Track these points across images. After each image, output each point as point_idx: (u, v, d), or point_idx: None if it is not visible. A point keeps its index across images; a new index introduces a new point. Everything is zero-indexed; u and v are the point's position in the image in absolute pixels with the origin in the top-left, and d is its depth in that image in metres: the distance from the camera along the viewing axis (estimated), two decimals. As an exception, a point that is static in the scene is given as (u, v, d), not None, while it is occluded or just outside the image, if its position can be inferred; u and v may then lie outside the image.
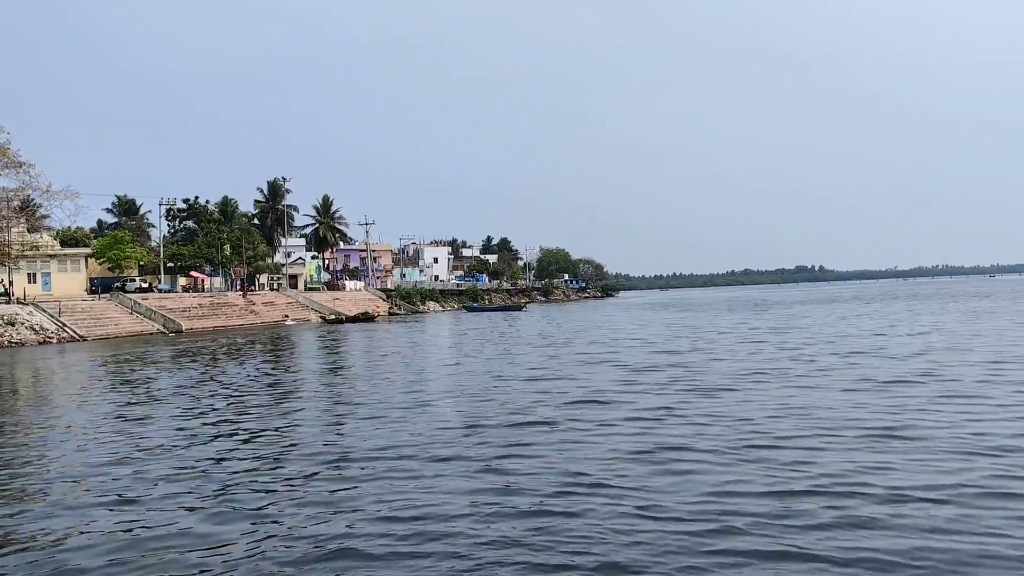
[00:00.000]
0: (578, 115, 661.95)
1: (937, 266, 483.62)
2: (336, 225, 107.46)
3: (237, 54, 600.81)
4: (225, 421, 16.46)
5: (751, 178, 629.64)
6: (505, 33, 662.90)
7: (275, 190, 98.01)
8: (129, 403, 20.00)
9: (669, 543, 7.81)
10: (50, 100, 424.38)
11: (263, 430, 15.13)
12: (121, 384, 25.03)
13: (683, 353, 28.80)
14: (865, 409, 15.05)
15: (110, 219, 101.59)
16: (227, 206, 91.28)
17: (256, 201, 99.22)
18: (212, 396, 20.88)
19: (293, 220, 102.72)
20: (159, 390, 22.73)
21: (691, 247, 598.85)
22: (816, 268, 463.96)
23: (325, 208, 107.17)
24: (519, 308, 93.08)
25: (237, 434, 14.79)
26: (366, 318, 72.65)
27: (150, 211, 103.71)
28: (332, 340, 45.82)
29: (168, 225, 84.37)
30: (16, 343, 50.16)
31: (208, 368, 29.72)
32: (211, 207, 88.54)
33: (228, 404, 19.13)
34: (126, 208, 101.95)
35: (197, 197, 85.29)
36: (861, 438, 12.38)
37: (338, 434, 14.44)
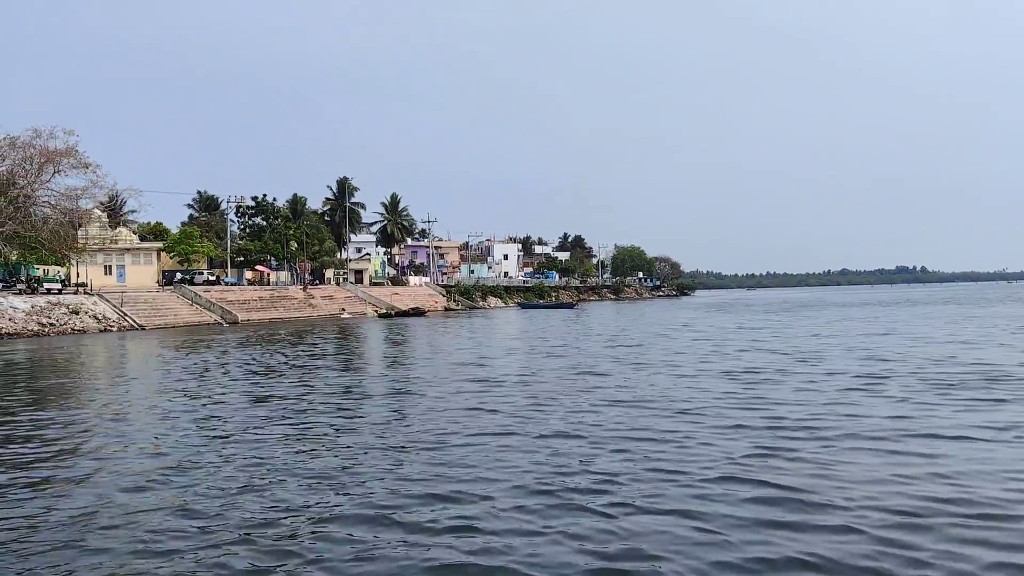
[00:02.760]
0: (672, 115, 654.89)
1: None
2: (403, 222, 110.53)
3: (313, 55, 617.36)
4: (211, 399, 18.45)
5: (850, 175, 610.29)
6: (575, 34, 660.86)
7: (343, 188, 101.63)
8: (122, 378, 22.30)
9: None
10: (136, 100, 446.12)
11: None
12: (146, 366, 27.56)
13: (632, 347, 29.70)
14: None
15: (193, 214, 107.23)
16: (297, 204, 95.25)
17: (326, 199, 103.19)
18: (206, 380, 23.02)
19: (360, 218, 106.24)
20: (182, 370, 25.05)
21: (789, 247, 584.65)
22: (918, 269, 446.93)
23: (393, 205, 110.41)
24: (571, 307, 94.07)
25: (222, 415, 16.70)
26: (416, 312, 75.01)
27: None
28: (364, 331, 48.10)
29: (238, 222, 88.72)
30: (79, 330, 54.23)
31: (221, 355, 32.14)
32: (281, 204, 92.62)
33: (229, 384, 21.19)
34: (207, 204, 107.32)
35: (265, 195, 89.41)
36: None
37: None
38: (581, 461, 11.13)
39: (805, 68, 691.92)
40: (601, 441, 12.49)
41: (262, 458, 11.73)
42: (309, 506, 9.16)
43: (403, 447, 12.40)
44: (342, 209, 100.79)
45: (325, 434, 13.73)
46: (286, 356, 31.18)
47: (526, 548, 7.60)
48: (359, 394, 19.18)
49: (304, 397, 18.71)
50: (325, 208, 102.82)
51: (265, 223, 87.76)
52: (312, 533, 8.19)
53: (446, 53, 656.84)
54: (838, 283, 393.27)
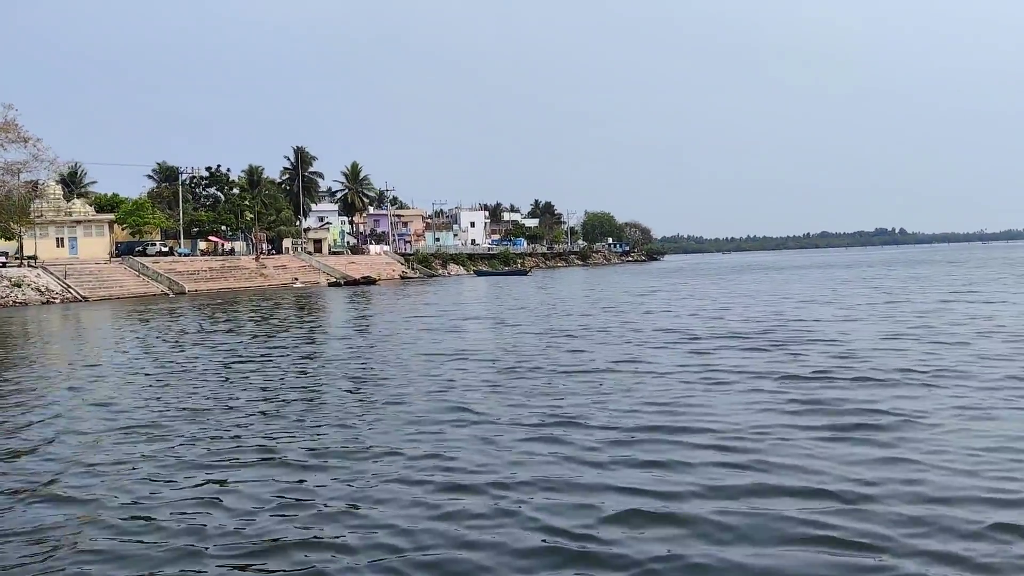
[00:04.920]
0: (649, 78, 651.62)
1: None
2: (364, 191, 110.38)
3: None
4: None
5: (830, 136, 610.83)
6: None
7: (300, 157, 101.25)
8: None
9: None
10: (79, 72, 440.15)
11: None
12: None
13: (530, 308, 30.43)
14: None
15: (152, 186, 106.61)
16: (254, 173, 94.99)
17: (284, 168, 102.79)
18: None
19: (318, 187, 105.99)
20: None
21: (769, 210, 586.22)
22: (896, 231, 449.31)
23: (354, 174, 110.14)
24: (524, 273, 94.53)
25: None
26: (367, 281, 75.35)
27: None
28: (296, 299, 48.59)
29: (193, 192, 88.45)
30: (20, 303, 54.38)
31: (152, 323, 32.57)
32: (239, 175, 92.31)
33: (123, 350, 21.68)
34: (167, 175, 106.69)
35: (219, 165, 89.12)
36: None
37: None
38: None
39: (786, 28, 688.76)
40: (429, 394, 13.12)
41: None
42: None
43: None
44: (300, 178, 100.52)
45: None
46: (187, 327, 31.63)
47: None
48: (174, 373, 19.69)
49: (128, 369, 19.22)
50: (284, 178, 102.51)
51: (220, 193, 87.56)
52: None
53: (407, 21, 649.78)
54: (816, 246, 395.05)
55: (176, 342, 24.93)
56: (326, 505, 7.87)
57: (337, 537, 7.01)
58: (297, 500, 8.07)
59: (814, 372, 14.87)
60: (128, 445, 10.72)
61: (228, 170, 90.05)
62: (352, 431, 11.11)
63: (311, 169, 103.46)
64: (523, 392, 13.75)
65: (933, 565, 6.05)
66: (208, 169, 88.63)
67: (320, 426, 11.53)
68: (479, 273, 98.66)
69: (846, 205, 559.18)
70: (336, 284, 74.13)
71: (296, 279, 77.18)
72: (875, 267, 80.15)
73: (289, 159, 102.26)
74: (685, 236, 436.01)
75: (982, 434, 9.70)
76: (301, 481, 8.73)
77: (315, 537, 7.04)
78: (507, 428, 10.98)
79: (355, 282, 74.81)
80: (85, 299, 57.76)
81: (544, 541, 6.79)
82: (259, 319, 34.74)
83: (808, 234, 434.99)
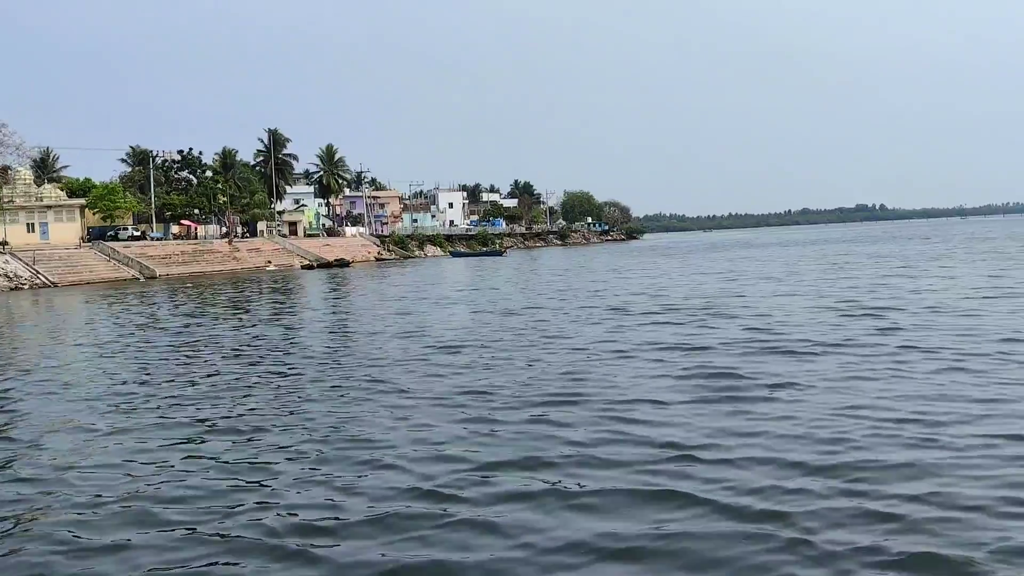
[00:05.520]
0: (627, 55, 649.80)
1: (1007, 204, 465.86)
2: (340, 173, 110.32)
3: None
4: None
5: (811, 116, 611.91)
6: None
7: (274, 140, 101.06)
8: None
9: None
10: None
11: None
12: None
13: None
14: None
15: (125, 169, 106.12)
16: (227, 156, 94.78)
17: (257, 151, 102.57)
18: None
19: (292, 169, 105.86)
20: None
21: (752, 188, 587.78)
22: (877, 207, 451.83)
23: (329, 156, 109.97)
24: (499, 254, 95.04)
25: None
26: (340, 264, 75.69)
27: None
28: (267, 283, 49.01)
29: (165, 176, 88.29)
30: (-12, 289, 54.47)
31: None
32: (212, 157, 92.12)
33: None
34: (140, 159, 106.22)
35: (191, 149, 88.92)
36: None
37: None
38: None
39: (765, 13, 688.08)
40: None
41: None
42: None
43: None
44: (274, 161, 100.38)
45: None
46: (146, 312, 32.07)
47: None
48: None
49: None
50: (258, 161, 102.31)
51: (193, 177, 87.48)
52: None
53: (383, 2, 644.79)
54: (797, 222, 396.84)
55: (131, 325, 25.40)
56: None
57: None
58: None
59: (721, 343, 15.61)
60: (87, 419, 11.30)
61: (200, 153, 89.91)
62: (270, 404, 11.74)
63: (285, 151, 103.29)
64: (445, 366, 14.40)
65: (741, 507, 6.75)
66: (180, 152, 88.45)
67: (239, 400, 12.12)
68: (455, 254, 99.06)
69: (828, 182, 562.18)
70: (309, 267, 74.46)
71: (269, 262, 77.40)
72: (842, 244, 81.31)
73: (263, 141, 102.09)
74: (667, 214, 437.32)
75: (837, 402, 10.39)
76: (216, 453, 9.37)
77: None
78: (414, 399, 11.61)
79: (328, 264, 75.14)
80: (54, 285, 57.87)
81: (416, 487, 7.56)
82: (221, 303, 35.20)
83: (789, 211, 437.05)
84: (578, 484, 7.61)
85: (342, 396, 12.18)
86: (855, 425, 9.19)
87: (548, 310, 24.34)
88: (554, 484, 7.62)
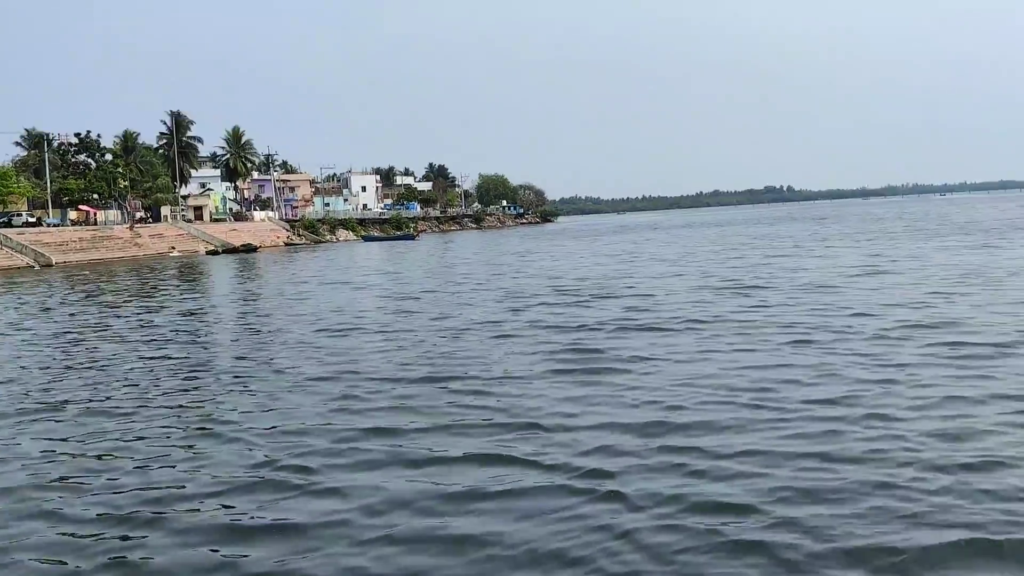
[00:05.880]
0: (541, 31, 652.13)
1: (906, 185, 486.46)
2: (247, 156, 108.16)
3: None
4: None
5: (723, 97, 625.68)
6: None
7: (178, 122, 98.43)
8: None
9: None
10: None
11: None
12: None
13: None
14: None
15: (19, 152, 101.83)
16: (128, 139, 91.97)
17: (160, 133, 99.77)
18: None
19: (197, 152, 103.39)
20: None
21: (665, 171, 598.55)
22: (785, 188, 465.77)
23: (235, 138, 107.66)
24: (412, 238, 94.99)
25: None
26: (247, 249, 74.49)
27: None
28: (160, 270, 48.13)
29: (63, 160, 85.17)
30: None
31: None
32: (112, 140, 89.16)
33: None
34: (36, 142, 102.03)
35: (89, 132, 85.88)
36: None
37: None
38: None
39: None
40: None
41: None
42: None
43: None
44: (177, 144, 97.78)
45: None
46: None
47: None
48: None
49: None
50: (161, 144, 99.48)
51: (91, 160, 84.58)
52: None
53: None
54: (709, 204, 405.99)
55: (19, 314, 24.88)
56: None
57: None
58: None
59: (598, 322, 16.39)
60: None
61: (99, 136, 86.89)
62: (142, 388, 11.96)
63: (189, 134, 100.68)
64: (324, 349, 14.78)
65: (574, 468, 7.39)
66: (78, 135, 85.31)
67: (112, 385, 12.28)
68: (367, 239, 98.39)
69: (738, 165, 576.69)
70: (215, 252, 73.06)
71: (173, 248, 75.63)
72: (744, 225, 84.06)
73: (166, 124, 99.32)
74: (583, 197, 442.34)
75: (685, 373, 11.21)
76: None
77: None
78: (289, 380, 11.99)
79: (235, 250, 73.85)
80: (-57, 273, 55.51)
81: (265, 457, 7.99)
82: (117, 290, 34.58)
83: (701, 193, 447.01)
84: (428, 450, 8.17)
85: (218, 380, 12.46)
86: (692, 393, 9.99)
87: (445, 293, 24.86)
88: (402, 451, 8.17)
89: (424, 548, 5.94)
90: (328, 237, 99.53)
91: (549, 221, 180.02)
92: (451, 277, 31.81)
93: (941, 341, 12.63)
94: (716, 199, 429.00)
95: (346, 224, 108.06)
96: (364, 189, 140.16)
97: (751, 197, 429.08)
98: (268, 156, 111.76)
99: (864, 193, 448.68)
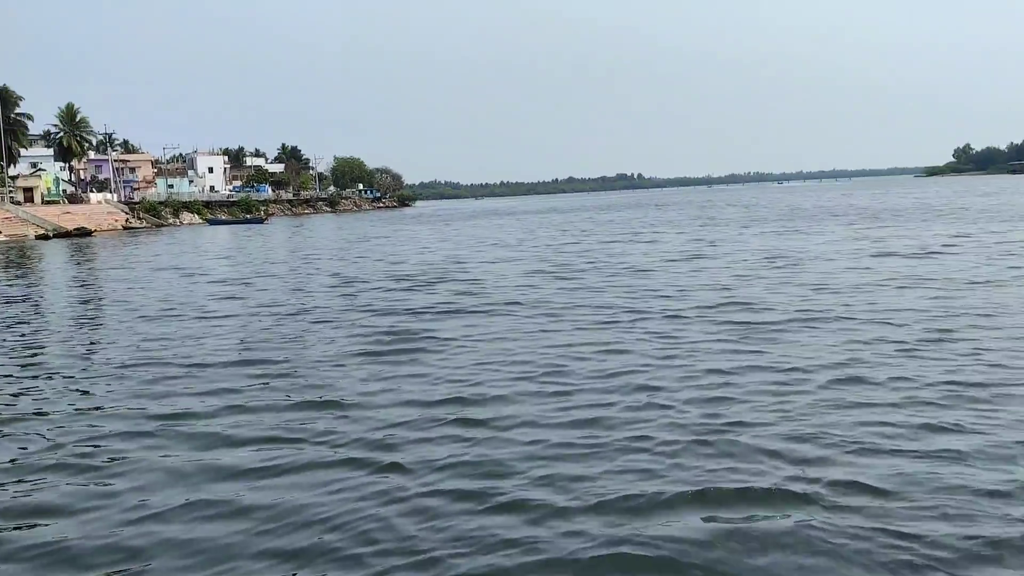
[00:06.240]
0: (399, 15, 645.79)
1: (748, 173, 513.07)
2: (82, 134, 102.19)
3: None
4: None
5: (578, 88, 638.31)
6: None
7: (5, 97, 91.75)
8: None
9: None
10: None
11: None
12: None
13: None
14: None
15: None
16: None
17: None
18: None
19: (27, 130, 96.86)
20: None
21: (523, 157, 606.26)
22: (635, 176, 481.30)
23: (70, 116, 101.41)
24: (261, 221, 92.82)
25: None
26: (81, 233, 70.81)
27: None
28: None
29: None
30: None
31: None
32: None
33: None
34: None
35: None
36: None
37: None
38: None
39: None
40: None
41: None
42: None
43: None
44: (5, 120, 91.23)
45: None
46: None
47: None
48: None
49: None
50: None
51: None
52: None
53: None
54: (564, 191, 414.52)
55: None
56: None
57: None
58: None
59: (424, 306, 16.89)
60: None
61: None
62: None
63: (18, 110, 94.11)
64: (141, 336, 14.60)
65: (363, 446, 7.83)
66: None
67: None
68: (213, 222, 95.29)
69: (592, 152, 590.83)
70: (45, 237, 68.92)
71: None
72: (591, 211, 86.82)
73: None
74: (442, 182, 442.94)
75: (488, 352, 11.86)
76: None
77: None
78: (92, 365, 11.86)
79: (68, 234, 69.96)
80: None
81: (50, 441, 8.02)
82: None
83: (557, 179, 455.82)
84: (220, 430, 8.43)
85: (23, 367, 12.20)
86: (491, 372, 10.63)
87: (280, 279, 24.73)
88: (193, 432, 8.39)
89: (195, 521, 6.24)
90: (171, 220, 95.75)
91: (407, 205, 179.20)
92: (292, 262, 31.57)
93: (729, 320, 13.81)
94: (571, 186, 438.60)
95: (191, 207, 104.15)
96: (211, 170, 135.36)
97: (604, 184, 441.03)
98: (107, 135, 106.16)
99: (709, 181, 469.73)
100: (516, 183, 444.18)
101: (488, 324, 14.39)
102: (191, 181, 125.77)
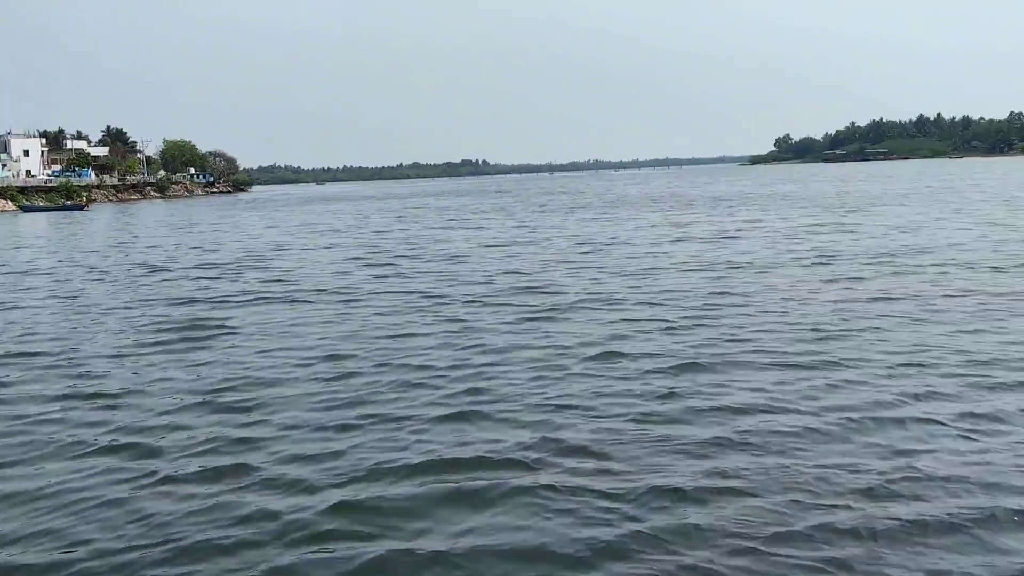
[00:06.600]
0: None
1: (588, 161, 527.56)
2: None
3: None
4: None
5: (424, 69, 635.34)
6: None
7: None
8: None
9: None
10: None
11: None
12: None
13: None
14: None
15: None
16: None
17: None
18: None
19: None
20: None
21: (368, 142, 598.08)
22: (480, 162, 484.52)
23: None
24: (81, 208, 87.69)
25: None
26: None
27: None
28: None
29: None
30: None
31: None
32: None
33: None
34: None
35: None
36: None
37: None
38: None
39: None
40: None
41: None
42: None
43: None
44: None
45: None
46: None
47: None
48: None
49: None
50: None
51: None
52: None
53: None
54: (409, 176, 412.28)
55: None
56: None
57: None
58: None
59: (224, 295, 16.82)
60: None
61: None
62: None
63: None
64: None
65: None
66: None
67: None
68: (27, 209, 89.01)
69: (438, 138, 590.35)
70: None
71: None
72: (429, 197, 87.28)
73: None
74: (282, 166, 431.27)
75: (268, 344, 11.99)
76: None
77: None
78: None
79: None
80: None
81: None
82: None
83: (401, 164, 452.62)
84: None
85: None
86: (269, 358, 10.84)
87: (82, 267, 23.73)
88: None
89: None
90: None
91: (242, 191, 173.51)
92: (104, 251, 30.20)
93: (523, 303, 14.51)
94: (416, 171, 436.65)
95: (4, 193, 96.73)
96: (27, 154, 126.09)
97: (449, 170, 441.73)
98: None
99: (552, 168, 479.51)
100: (360, 168, 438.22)
101: (287, 312, 14.51)
102: (4, 165, 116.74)
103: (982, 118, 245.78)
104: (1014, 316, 11.87)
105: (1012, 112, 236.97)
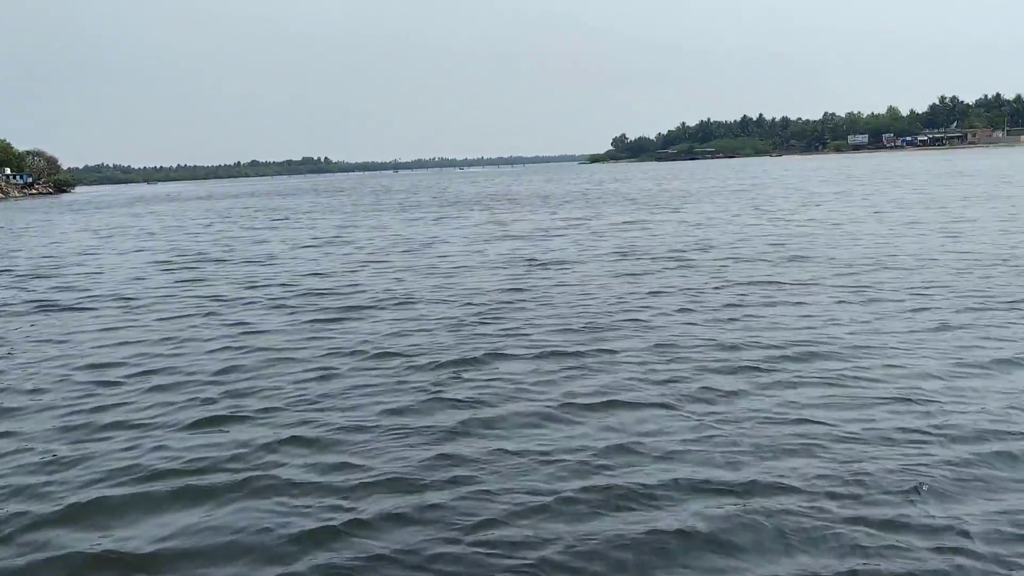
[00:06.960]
0: None
1: (434, 159, 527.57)
2: None
3: None
4: None
5: (263, 67, 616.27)
6: None
7: None
8: None
9: None
10: None
11: None
12: None
13: None
14: None
15: None
16: None
17: None
18: None
19: None
20: None
21: (202, 140, 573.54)
22: (322, 160, 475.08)
23: None
24: None
25: None
26: None
27: None
28: None
29: None
30: None
31: None
32: None
33: None
34: None
35: None
36: None
37: None
38: None
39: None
40: None
41: None
42: None
43: None
44: None
45: None
46: None
47: None
48: None
49: None
50: None
51: None
52: None
53: None
54: (247, 175, 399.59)
55: None
56: None
57: None
58: None
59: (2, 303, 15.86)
60: None
61: None
62: None
63: None
64: None
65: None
66: None
67: None
68: None
69: (277, 136, 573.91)
70: None
71: None
72: (260, 197, 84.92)
73: None
74: (111, 165, 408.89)
75: (51, 354, 11.58)
76: None
77: None
78: None
79: None
80: None
81: None
82: None
83: (239, 163, 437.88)
84: None
85: None
86: (27, 369, 10.46)
87: None
88: None
89: None
90: None
91: (65, 191, 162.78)
92: None
93: (315, 306, 14.50)
94: (255, 169, 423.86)
95: None
96: None
97: (289, 168, 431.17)
98: None
99: (396, 166, 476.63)
100: (195, 167, 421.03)
101: (66, 320, 13.93)
102: None
103: (799, 118, 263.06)
104: (767, 305, 12.95)
105: (826, 113, 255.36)
